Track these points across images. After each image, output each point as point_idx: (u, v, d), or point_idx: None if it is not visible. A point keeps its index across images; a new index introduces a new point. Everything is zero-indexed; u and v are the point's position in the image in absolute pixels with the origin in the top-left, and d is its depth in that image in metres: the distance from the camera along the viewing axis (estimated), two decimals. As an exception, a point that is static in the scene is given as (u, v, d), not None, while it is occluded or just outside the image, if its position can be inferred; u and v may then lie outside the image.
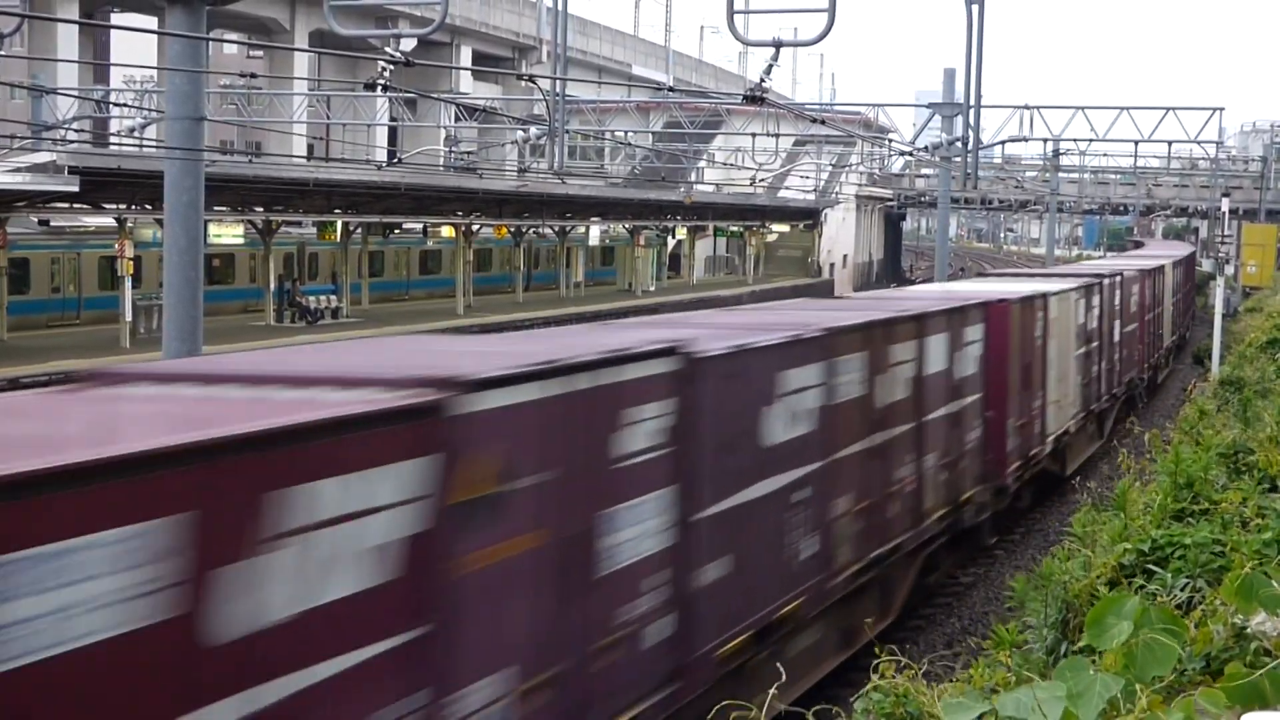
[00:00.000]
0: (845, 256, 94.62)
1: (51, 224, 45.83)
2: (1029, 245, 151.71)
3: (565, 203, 58.45)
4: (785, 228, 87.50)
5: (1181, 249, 69.90)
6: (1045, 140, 54.80)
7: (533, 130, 49.97)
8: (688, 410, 11.37)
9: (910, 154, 52.01)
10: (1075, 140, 57.67)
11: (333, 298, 51.07)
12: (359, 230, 52.94)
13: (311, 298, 50.00)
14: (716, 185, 78.50)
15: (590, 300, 61.68)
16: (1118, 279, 33.50)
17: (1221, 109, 54.06)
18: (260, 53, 78.57)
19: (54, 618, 5.86)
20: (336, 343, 12.18)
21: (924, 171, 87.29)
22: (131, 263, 40.01)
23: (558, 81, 35.08)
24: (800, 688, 14.20)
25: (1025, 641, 8.60)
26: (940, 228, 47.20)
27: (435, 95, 43.57)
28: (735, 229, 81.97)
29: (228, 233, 48.92)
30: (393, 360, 10.35)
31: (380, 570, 7.61)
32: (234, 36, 69.09)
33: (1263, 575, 5.19)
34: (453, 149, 63.06)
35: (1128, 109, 50.94)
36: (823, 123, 37.06)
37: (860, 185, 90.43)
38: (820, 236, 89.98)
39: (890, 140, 60.87)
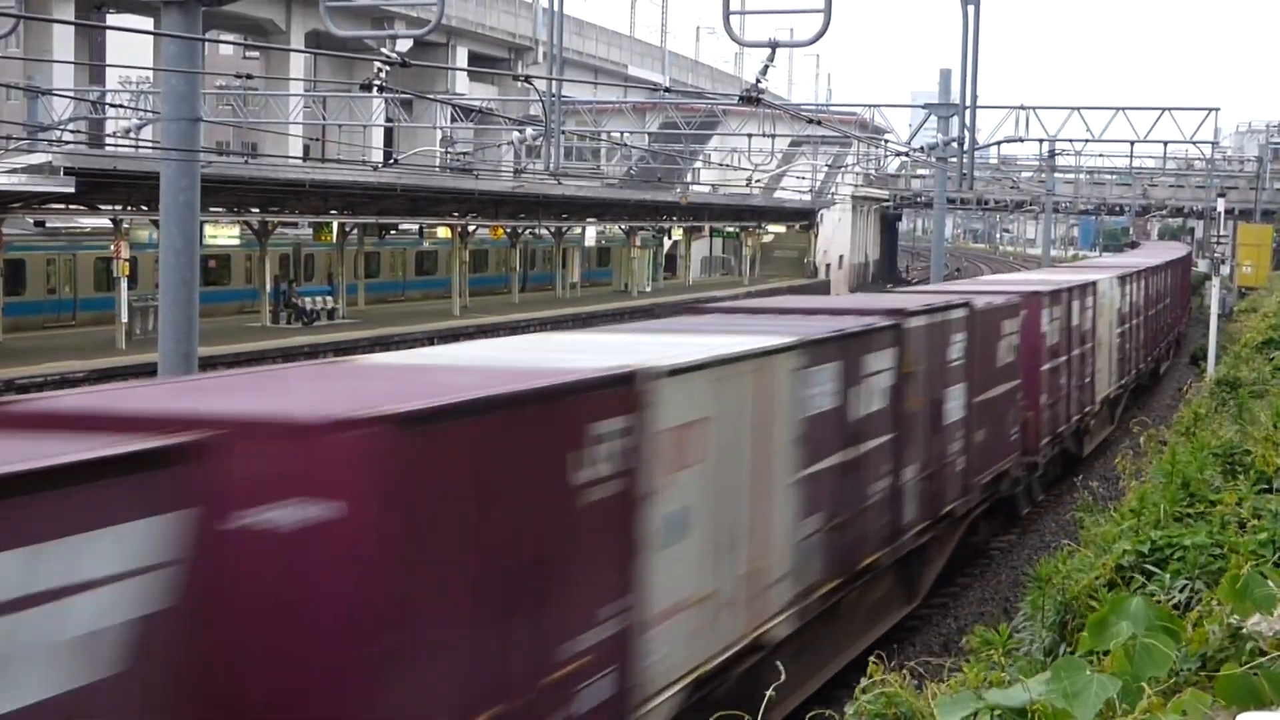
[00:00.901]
0: (841, 257, 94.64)
1: (47, 225, 45.81)
2: (1024, 246, 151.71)
3: (561, 203, 58.45)
4: (781, 228, 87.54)
5: (1178, 249, 69.96)
6: (1041, 141, 54.75)
7: (529, 131, 49.94)
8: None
9: (906, 154, 52.02)
10: (1071, 141, 57.69)
11: (329, 299, 51.04)
12: (355, 231, 52.93)
13: (307, 299, 49.97)
14: (712, 186, 78.53)
15: (586, 301, 61.70)
16: (1128, 276, 35.52)
17: (1217, 109, 54.02)
18: (256, 53, 78.52)
19: None
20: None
21: (920, 172, 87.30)
22: (127, 264, 39.98)
23: (553, 82, 35.06)
24: (872, 636, 16.64)
25: (1019, 644, 8.58)
26: (936, 228, 47.21)
27: (431, 96, 43.56)
28: (731, 230, 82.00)
29: (224, 234, 48.92)
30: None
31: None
32: (230, 37, 69.07)
33: (1259, 576, 5.19)
34: (449, 150, 63.03)
35: (1123, 109, 50.90)
36: (819, 123, 37.07)
37: (856, 186, 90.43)
38: (816, 237, 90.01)
39: (886, 141, 60.86)
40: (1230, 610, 5.50)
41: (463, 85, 76.32)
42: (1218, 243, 36.57)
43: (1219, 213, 37.08)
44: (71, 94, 54.28)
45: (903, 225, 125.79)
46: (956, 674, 7.16)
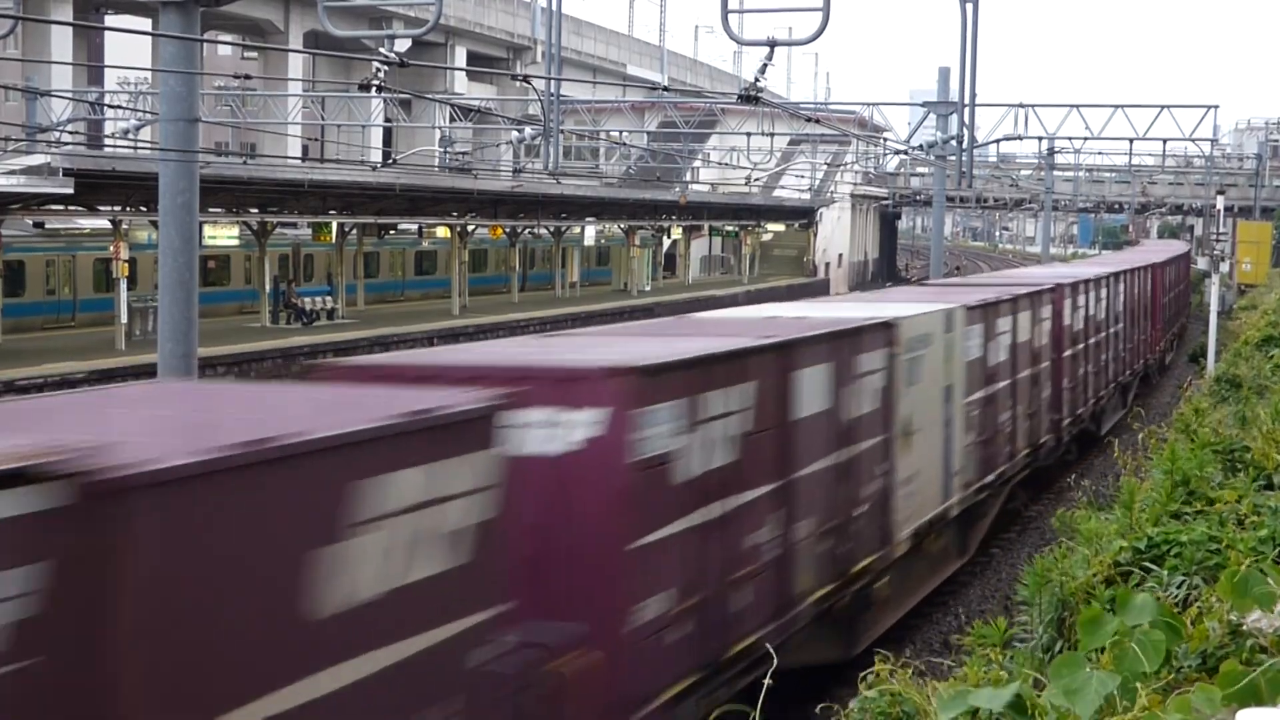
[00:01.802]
0: (840, 256, 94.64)
1: (46, 226, 45.79)
2: (1024, 244, 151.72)
3: (560, 203, 58.43)
4: (780, 227, 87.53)
5: (1178, 247, 70.05)
6: (1040, 139, 54.83)
7: (527, 130, 49.92)
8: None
9: (905, 153, 52.05)
10: (1070, 138, 57.78)
11: (328, 299, 51.03)
12: (354, 231, 52.92)
13: (307, 299, 49.96)
14: (711, 185, 78.54)
15: (586, 300, 61.69)
16: (1136, 270, 37.70)
17: (1216, 107, 54.19)
18: (255, 54, 78.51)
19: None
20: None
21: (919, 170, 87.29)
22: (126, 265, 39.97)
23: (552, 82, 35.08)
24: (931, 584, 19.36)
25: (1015, 638, 8.58)
26: (935, 226, 47.19)
27: (430, 96, 43.60)
28: (730, 229, 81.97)
29: (223, 234, 48.89)
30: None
31: None
32: (228, 38, 69.03)
33: (1258, 572, 5.19)
34: (447, 149, 63.05)
35: (1122, 107, 50.96)
36: (818, 122, 37.09)
37: (855, 184, 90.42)
38: (815, 236, 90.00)
39: (885, 139, 60.90)
40: (1230, 607, 5.50)
41: (461, 85, 76.32)
42: (1217, 240, 36.54)
43: (1218, 210, 37.06)
44: (70, 95, 54.30)
45: (902, 224, 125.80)
46: (957, 671, 7.17)
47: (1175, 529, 8.51)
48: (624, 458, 10.34)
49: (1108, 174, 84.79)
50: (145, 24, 60.79)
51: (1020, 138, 52.55)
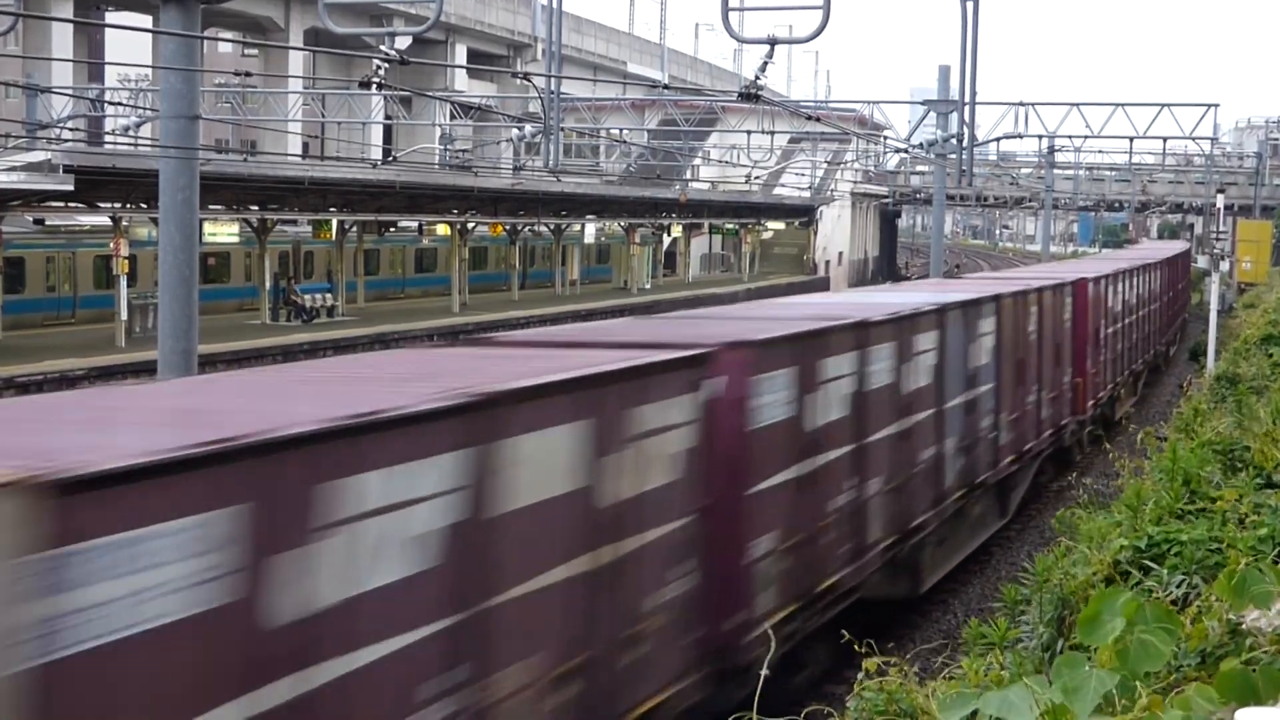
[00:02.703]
0: (840, 254, 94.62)
1: (46, 223, 45.78)
2: (1024, 242, 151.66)
3: (560, 201, 58.42)
4: (780, 225, 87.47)
5: (1177, 246, 70.11)
6: (1040, 137, 54.78)
7: (528, 128, 49.93)
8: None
9: (905, 151, 52.03)
10: (1070, 137, 57.76)
11: (328, 296, 51.01)
12: (354, 228, 52.91)
13: (307, 296, 49.96)
14: (712, 183, 78.51)
15: (586, 298, 61.68)
16: (1145, 267, 39.16)
17: (1216, 105, 54.16)
18: (255, 51, 78.49)
19: None
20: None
21: (919, 169, 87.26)
22: (127, 261, 39.96)
23: (553, 79, 35.07)
24: (978, 539, 21.63)
25: (1018, 639, 8.58)
26: (935, 225, 47.15)
27: (430, 93, 43.58)
28: (730, 227, 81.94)
29: (223, 231, 48.87)
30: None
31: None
32: (229, 35, 69.00)
33: (1257, 571, 5.19)
34: (448, 147, 63.03)
35: (1123, 105, 50.93)
36: (818, 120, 37.10)
37: (855, 183, 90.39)
38: (815, 234, 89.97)
39: (885, 137, 60.85)
40: (1229, 606, 5.50)
41: (461, 82, 76.32)
42: (1217, 239, 36.54)
43: (1218, 209, 37.08)
44: (70, 92, 54.30)
45: (902, 222, 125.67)
46: (956, 669, 7.16)
47: (1176, 528, 8.51)
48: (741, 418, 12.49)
49: (1108, 172, 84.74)
50: (146, 21, 60.73)
51: (1020, 136, 52.52)
